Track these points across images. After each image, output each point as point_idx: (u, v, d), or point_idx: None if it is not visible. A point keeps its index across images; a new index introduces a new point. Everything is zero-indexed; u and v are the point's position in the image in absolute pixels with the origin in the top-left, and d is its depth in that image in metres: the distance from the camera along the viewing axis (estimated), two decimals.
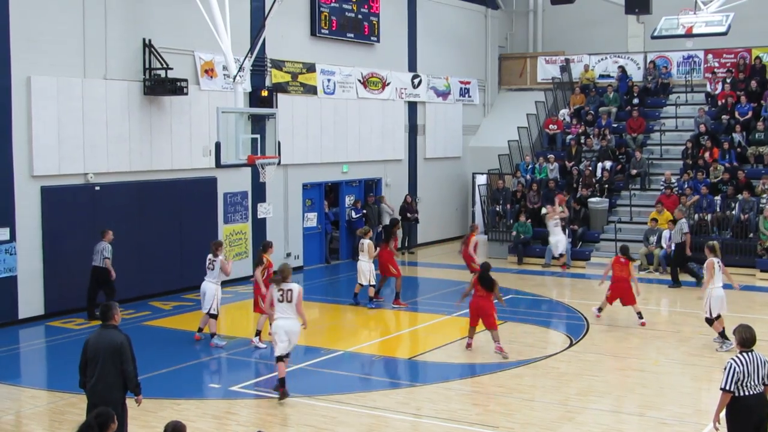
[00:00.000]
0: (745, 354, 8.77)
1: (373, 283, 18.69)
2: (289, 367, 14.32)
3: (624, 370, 13.94)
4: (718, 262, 15.12)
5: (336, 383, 13.61)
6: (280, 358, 12.36)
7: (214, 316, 15.55)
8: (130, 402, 9.61)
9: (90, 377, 9.32)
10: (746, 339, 8.86)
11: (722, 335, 14.99)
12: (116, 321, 9.55)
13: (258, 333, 15.57)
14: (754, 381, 8.65)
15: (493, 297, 14.88)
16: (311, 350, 15.45)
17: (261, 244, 16.59)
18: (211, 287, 15.51)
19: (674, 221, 22.68)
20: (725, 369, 8.74)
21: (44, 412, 12.09)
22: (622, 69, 30.05)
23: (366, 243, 18.65)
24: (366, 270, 18.58)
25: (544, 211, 25.51)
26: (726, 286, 15.34)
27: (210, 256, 15.73)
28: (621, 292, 16.99)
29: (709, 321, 15.12)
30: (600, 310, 17.49)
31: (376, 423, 11.52)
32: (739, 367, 8.63)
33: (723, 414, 8.95)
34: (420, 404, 12.37)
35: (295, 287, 12.38)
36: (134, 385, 9.48)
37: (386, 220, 26.58)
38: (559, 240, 23.25)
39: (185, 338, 16.03)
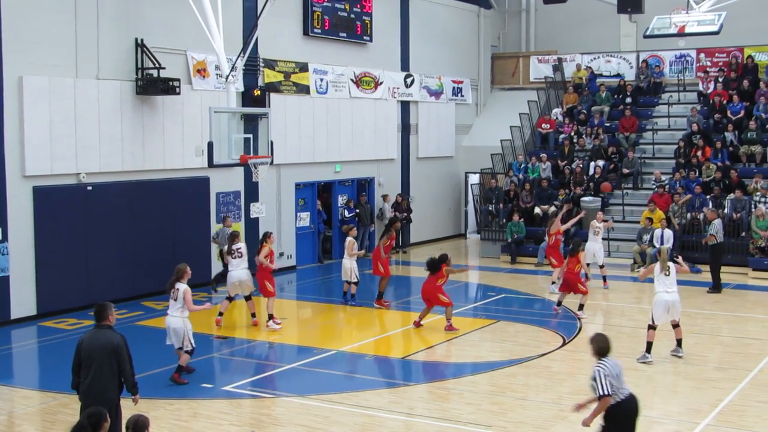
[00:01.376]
0: (607, 360, 8.96)
1: (354, 280, 18.72)
2: (282, 367, 14.36)
3: None
4: (663, 268, 14.29)
5: (329, 383, 13.60)
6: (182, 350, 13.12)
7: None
8: (125, 402, 9.59)
9: (84, 378, 9.26)
10: (603, 348, 9.07)
11: (678, 343, 14.54)
12: (111, 321, 9.52)
13: (270, 317, 16.57)
14: (622, 384, 8.94)
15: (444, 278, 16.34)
16: (304, 350, 15.47)
17: (263, 235, 17.26)
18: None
19: (667, 220, 22.75)
20: (596, 378, 8.84)
21: (36, 412, 12.06)
22: (590, 69, 30.25)
23: (348, 241, 18.72)
24: (347, 267, 18.65)
25: (536, 210, 25.57)
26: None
27: (231, 246, 16.60)
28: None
29: (651, 327, 14.35)
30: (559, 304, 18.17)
31: (369, 422, 11.52)
32: (608, 371, 8.82)
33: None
34: (413, 403, 12.37)
35: (182, 287, 13.07)
36: (131, 384, 9.46)
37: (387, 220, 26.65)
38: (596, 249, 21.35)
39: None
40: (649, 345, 14.27)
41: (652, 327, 14.31)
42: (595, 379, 8.87)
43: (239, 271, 16.66)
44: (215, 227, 20.80)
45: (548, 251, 20.99)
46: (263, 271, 16.70)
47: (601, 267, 21.05)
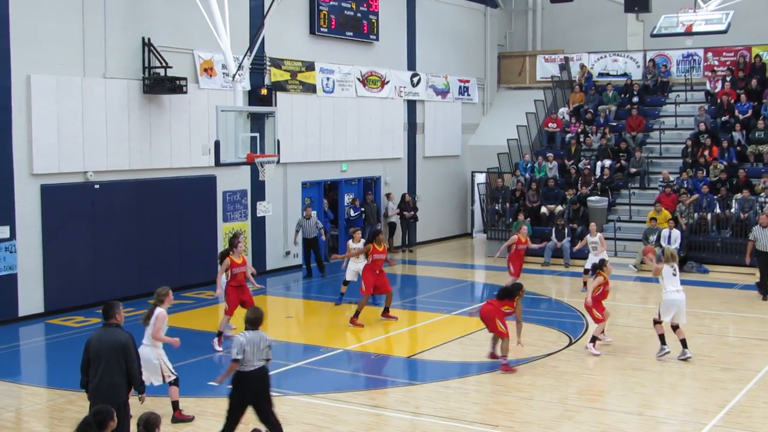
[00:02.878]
0: (251, 332, 9.91)
1: (346, 279, 18.79)
2: (288, 365, 14.37)
3: (623, 369, 13.94)
4: (671, 267, 14.33)
5: (335, 381, 13.62)
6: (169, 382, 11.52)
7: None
8: (131, 401, 9.61)
9: (92, 377, 9.27)
10: (251, 319, 10.04)
11: (683, 344, 14.35)
12: (118, 320, 9.53)
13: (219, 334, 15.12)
14: (258, 355, 9.81)
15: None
16: (310, 348, 15.48)
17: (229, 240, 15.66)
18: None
19: (674, 220, 22.71)
20: (234, 343, 9.83)
21: (44, 409, 12.09)
22: (586, 69, 30.33)
23: (348, 243, 18.81)
24: (352, 269, 18.61)
25: (543, 210, 25.53)
26: None
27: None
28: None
29: (657, 322, 14.47)
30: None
31: (375, 421, 11.53)
32: (246, 340, 9.77)
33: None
34: (419, 403, 12.37)
35: (157, 311, 11.40)
36: (139, 383, 9.48)
37: (392, 219, 26.65)
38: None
39: (184, 336, 15.97)
40: (662, 337, 14.38)
41: (658, 322, 14.42)
42: (233, 344, 9.87)
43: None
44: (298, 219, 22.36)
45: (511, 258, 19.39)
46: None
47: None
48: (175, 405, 11.51)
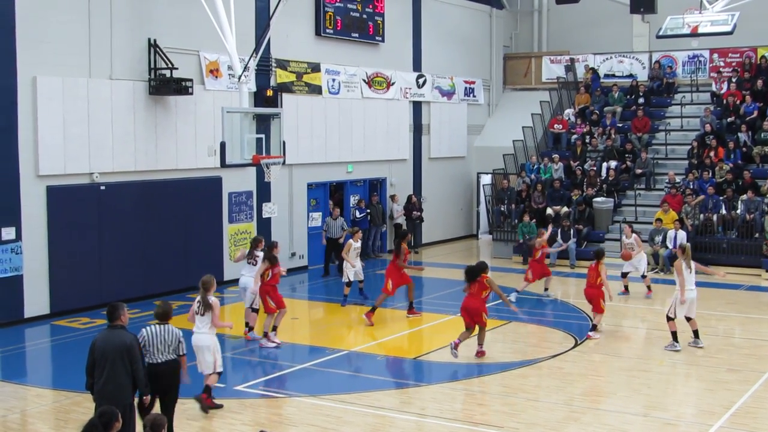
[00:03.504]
0: (157, 326, 10.22)
1: (360, 278, 18.95)
2: (294, 367, 14.38)
3: (629, 371, 13.92)
4: (688, 266, 14.76)
5: (340, 383, 13.62)
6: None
7: (256, 311, 15.77)
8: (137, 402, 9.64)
9: (98, 378, 9.28)
10: (158, 314, 10.37)
11: (695, 334, 15.11)
12: (123, 321, 9.55)
13: (265, 334, 15.56)
14: (162, 349, 10.10)
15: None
16: (316, 350, 15.48)
17: (252, 241, 16.68)
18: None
19: (680, 221, 22.68)
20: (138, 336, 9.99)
21: (49, 410, 12.12)
22: (591, 70, 30.36)
23: (348, 242, 18.90)
24: (353, 268, 18.75)
25: (549, 211, 25.51)
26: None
27: (252, 251, 15.99)
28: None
29: (670, 318, 14.88)
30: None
31: (380, 423, 11.53)
32: (148, 334, 10.11)
33: None
34: (424, 404, 12.37)
35: (212, 300, 11.80)
36: (143, 384, 9.49)
37: (397, 220, 26.63)
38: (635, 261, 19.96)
39: (190, 338, 16.01)
40: (675, 334, 14.75)
41: (671, 318, 14.76)
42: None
43: (248, 278, 15.87)
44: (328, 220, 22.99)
45: (531, 264, 19.74)
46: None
47: (644, 277, 19.99)
48: (209, 390, 11.86)
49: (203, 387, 11.86)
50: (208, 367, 11.82)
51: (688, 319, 14.89)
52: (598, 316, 16.12)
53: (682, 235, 22.12)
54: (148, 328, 10.21)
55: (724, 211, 23.34)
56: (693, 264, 14.88)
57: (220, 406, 11.91)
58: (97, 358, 9.30)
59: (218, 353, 11.91)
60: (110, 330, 9.47)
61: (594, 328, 16.05)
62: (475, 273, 14.63)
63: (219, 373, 12.00)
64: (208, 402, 11.79)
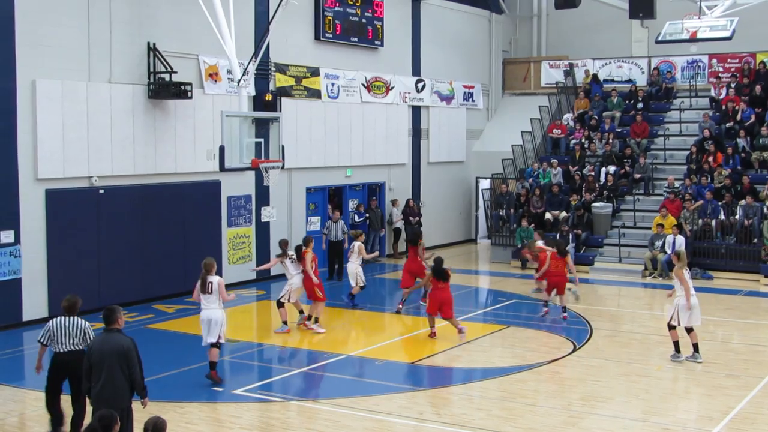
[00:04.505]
0: (63, 318, 10.70)
1: (361, 284, 18.95)
2: (292, 371, 14.38)
3: (627, 376, 13.92)
4: (687, 272, 14.65)
5: (339, 387, 13.61)
6: (213, 345, 13.37)
7: (282, 305, 16.71)
8: (134, 405, 9.62)
9: (95, 382, 9.27)
10: (65, 307, 10.80)
11: (695, 348, 14.59)
12: (120, 325, 9.55)
13: (316, 320, 16.85)
14: (65, 340, 10.54)
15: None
16: (314, 354, 15.48)
17: (303, 240, 17.51)
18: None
19: (678, 226, 22.69)
20: (44, 328, 10.73)
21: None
22: (589, 75, 30.33)
23: (356, 245, 18.93)
24: (353, 272, 18.87)
25: (547, 216, 25.52)
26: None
27: (292, 253, 16.97)
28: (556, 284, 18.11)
29: (672, 327, 14.59)
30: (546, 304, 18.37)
31: (378, 427, 11.52)
32: (53, 325, 10.65)
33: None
34: (422, 408, 12.37)
35: (215, 279, 13.41)
36: (141, 388, 9.49)
37: (396, 225, 26.63)
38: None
39: (188, 341, 16.03)
40: (677, 344, 14.59)
41: (673, 327, 14.57)
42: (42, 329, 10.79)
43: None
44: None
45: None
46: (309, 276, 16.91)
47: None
48: (213, 365, 13.29)
49: (209, 363, 13.30)
50: (213, 336, 13.23)
51: (689, 330, 14.50)
52: (563, 297, 18.05)
53: (680, 241, 22.13)
54: (54, 319, 10.78)
55: (722, 217, 23.35)
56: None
57: (221, 381, 13.32)
58: (94, 362, 9.29)
59: (224, 326, 13.44)
60: (107, 333, 9.46)
61: (564, 309, 17.96)
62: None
63: (219, 346, 13.36)
64: (215, 376, 13.26)
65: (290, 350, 15.90)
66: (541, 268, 18.82)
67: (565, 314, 17.99)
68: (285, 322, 16.84)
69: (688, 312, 14.40)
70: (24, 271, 17.16)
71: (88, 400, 9.71)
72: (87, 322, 10.83)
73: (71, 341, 10.58)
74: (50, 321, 10.81)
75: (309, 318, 17.01)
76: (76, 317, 10.75)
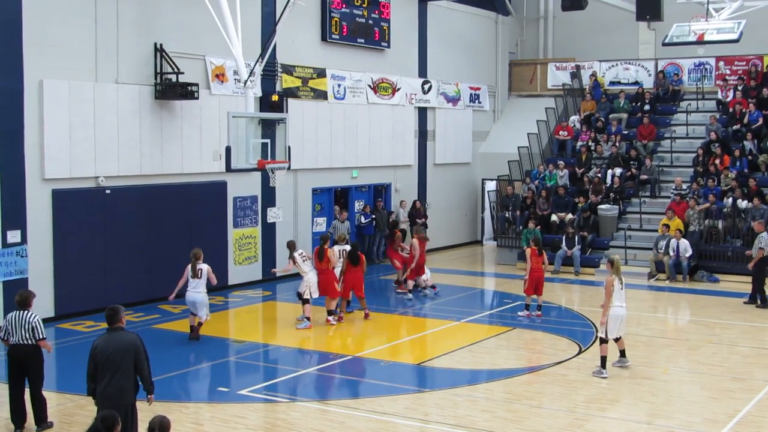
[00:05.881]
0: (17, 312, 11.15)
1: (315, 296, 17.66)
2: (298, 371, 14.39)
3: (633, 378, 13.89)
4: (619, 281, 13.89)
5: (344, 388, 13.62)
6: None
7: (306, 301, 17.17)
8: (140, 404, 9.63)
9: (101, 381, 9.26)
10: (18, 301, 11.30)
11: (622, 354, 14.28)
12: (123, 323, 9.56)
13: (330, 312, 17.43)
14: (16, 334, 11.09)
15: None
16: (320, 355, 15.48)
17: (320, 238, 17.99)
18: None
19: (685, 227, 22.62)
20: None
21: (53, 413, 12.09)
22: (594, 77, 30.37)
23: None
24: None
25: (553, 218, 25.50)
26: None
27: (302, 252, 17.52)
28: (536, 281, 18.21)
29: (604, 341, 13.87)
30: (527, 307, 18.42)
31: (383, 428, 11.52)
32: (9, 319, 11.17)
33: None
34: (428, 410, 12.36)
35: (205, 266, 15.76)
36: (149, 383, 9.50)
37: (402, 226, 26.61)
38: None
39: (194, 342, 16.06)
40: (604, 359, 13.89)
41: (606, 341, 13.90)
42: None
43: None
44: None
45: None
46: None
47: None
48: (195, 329, 16.09)
49: (192, 327, 16.09)
50: (204, 315, 15.91)
51: (617, 339, 14.08)
52: (541, 295, 18.30)
53: (684, 244, 22.10)
54: (10, 313, 11.29)
55: (731, 203, 23.22)
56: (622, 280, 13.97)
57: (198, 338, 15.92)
58: (100, 361, 9.26)
59: (207, 307, 16.00)
60: (111, 333, 9.44)
61: (539, 308, 18.31)
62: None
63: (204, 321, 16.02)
64: (195, 335, 16.03)
65: (295, 351, 15.91)
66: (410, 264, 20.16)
67: (540, 312, 18.27)
68: (308, 318, 17.13)
69: (614, 323, 13.77)
70: (30, 270, 17.18)
71: (91, 400, 9.70)
72: (37, 317, 11.26)
73: (20, 334, 11.10)
74: (8, 315, 11.38)
75: (339, 315, 17.76)
76: (27, 311, 11.21)
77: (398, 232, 21.94)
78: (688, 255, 22.36)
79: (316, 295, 17.30)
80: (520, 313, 18.44)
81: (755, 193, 23.43)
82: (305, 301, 17.21)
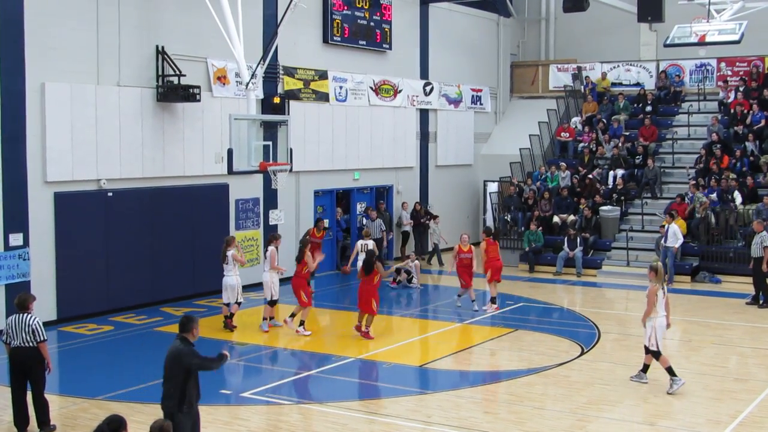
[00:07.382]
0: (17, 315, 11.25)
1: (272, 298, 17.57)
2: (300, 374, 14.41)
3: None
4: (662, 289, 13.32)
5: (347, 390, 13.62)
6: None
7: (273, 303, 17.53)
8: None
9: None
10: (16, 304, 11.38)
11: (645, 369, 13.62)
12: (188, 334, 9.47)
13: (301, 323, 17.02)
14: (17, 336, 11.16)
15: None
16: (322, 357, 15.48)
17: (300, 242, 18.38)
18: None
19: (672, 216, 22.58)
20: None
21: (56, 417, 12.10)
22: (588, 79, 30.46)
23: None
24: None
25: (555, 219, 25.50)
26: None
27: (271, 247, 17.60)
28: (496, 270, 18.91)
29: (656, 354, 13.20)
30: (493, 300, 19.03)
31: (386, 430, 11.53)
32: (9, 322, 11.25)
33: None
34: (430, 411, 12.36)
35: (230, 252, 16.91)
36: (210, 362, 9.59)
37: (405, 228, 26.64)
38: None
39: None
40: (670, 369, 13.28)
41: (658, 353, 13.25)
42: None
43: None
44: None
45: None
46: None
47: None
48: (231, 316, 17.09)
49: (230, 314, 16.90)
50: (233, 299, 16.95)
51: (647, 352, 13.45)
52: (496, 286, 19.06)
53: (674, 228, 21.93)
54: (11, 317, 11.37)
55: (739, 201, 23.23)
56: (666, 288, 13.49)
57: (234, 327, 16.99)
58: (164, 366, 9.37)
59: (240, 289, 17.11)
60: (174, 340, 9.51)
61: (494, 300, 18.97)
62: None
63: (239, 303, 17.13)
64: (230, 323, 16.97)
65: (298, 353, 15.91)
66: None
67: (496, 305, 18.94)
68: (266, 318, 17.55)
69: (662, 333, 13.21)
70: (33, 273, 17.19)
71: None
72: (37, 319, 11.30)
73: (21, 337, 11.19)
74: (9, 317, 11.42)
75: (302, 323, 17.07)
76: (27, 314, 11.28)
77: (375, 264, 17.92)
78: (678, 244, 22.06)
79: (276, 296, 17.58)
80: (485, 307, 18.97)
81: (752, 192, 23.41)
82: (271, 303, 17.53)
